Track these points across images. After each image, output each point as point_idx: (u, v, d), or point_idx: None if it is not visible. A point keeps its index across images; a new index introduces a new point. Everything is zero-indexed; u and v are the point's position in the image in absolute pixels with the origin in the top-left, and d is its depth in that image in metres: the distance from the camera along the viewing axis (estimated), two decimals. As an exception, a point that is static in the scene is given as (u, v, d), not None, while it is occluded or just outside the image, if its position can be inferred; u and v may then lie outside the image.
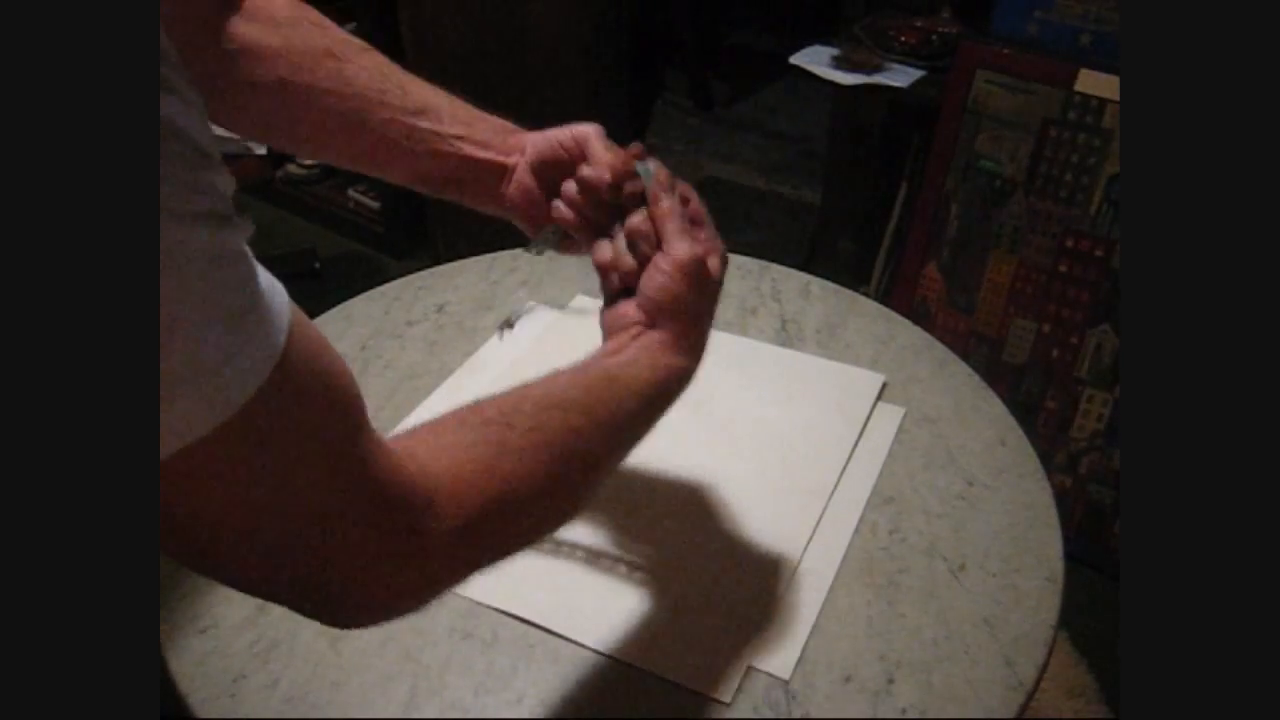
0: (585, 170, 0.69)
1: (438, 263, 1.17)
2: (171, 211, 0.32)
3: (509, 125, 0.74)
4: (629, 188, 0.67)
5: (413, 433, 0.51)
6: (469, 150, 0.72)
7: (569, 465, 0.55)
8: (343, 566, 0.44)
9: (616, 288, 0.67)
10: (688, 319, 0.65)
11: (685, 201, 0.67)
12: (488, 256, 1.18)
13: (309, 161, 2.59)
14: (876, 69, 1.81)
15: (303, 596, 0.45)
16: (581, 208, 0.70)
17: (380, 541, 0.44)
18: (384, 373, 0.97)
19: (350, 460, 0.43)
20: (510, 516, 0.52)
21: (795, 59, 1.87)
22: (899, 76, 1.79)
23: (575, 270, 1.15)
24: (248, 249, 0.37)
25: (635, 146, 0.69)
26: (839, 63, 1.84)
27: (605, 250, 0.67)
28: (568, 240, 0.72)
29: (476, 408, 0.53)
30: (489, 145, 0.72)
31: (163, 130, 0.31)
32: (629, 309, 0.65)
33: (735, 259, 1.17)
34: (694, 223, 0.67)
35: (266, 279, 0.38)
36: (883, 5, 1.96)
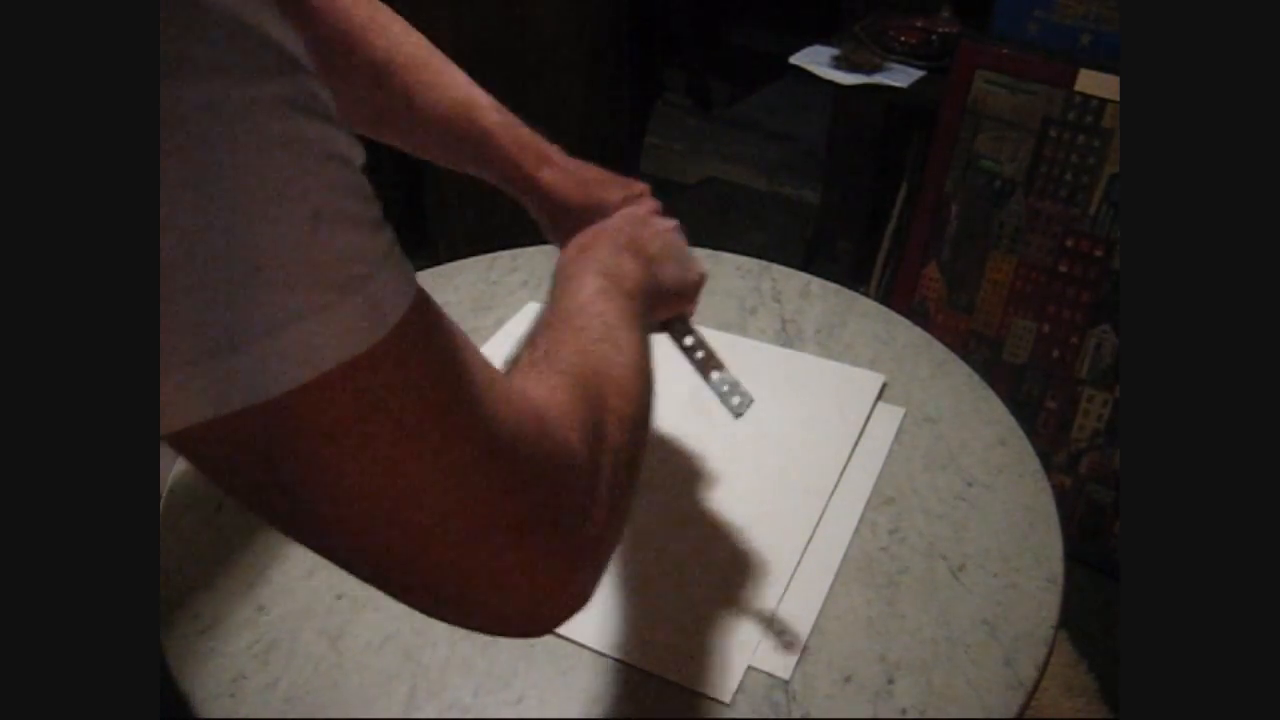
0: None
1: (438, 263, 1.17)
2: (280, 104, 0.30)
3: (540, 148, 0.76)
4: None
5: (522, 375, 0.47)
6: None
7: (625, 362, 0.53)
8: (488, 560, 0.39)
9: None
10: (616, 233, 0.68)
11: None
12: (488, 256, 1.18)
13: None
14: (876, 69, 1.81)
15: (447, 600, 0.40)
16: None
17: (533, 520, 0.39)
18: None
19: (486, 413, 0.38)
20: (615, 424, 0.48)
21: (795, 59, 1.87)
22: (899, 76, 1.79)
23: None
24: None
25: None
26: (839, 63, 1.84)
27: None
28: None
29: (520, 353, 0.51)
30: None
31: (259, 37, 0.30)
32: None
33: (735, 259, 1.18)
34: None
35: None
36: (883, 5, 1.96)
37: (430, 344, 0.36)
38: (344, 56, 0.71)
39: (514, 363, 0.51)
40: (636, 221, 0.72)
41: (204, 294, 0.29)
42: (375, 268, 0.33)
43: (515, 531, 0.39)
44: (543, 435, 0.41)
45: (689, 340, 0.75)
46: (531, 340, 0.53)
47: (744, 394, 0.72)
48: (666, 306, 0.73)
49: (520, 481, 0.39)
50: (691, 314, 0.78)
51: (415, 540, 0.37)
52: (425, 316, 0.36)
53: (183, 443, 0.33)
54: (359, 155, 0.34)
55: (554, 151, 0.76)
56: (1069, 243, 1.62)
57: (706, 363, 0.74)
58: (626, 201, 0.76)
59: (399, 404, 0.34)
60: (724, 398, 0.73)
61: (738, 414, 0.72)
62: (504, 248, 1.19)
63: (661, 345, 0.73)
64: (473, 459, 0.37)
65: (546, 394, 0.45)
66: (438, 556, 0.38)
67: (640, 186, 0.79)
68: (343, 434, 0.33)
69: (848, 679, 0.71)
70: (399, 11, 0.72)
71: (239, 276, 0.29)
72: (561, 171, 0.76)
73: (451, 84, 0.74)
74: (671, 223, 0.75)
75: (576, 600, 0.44)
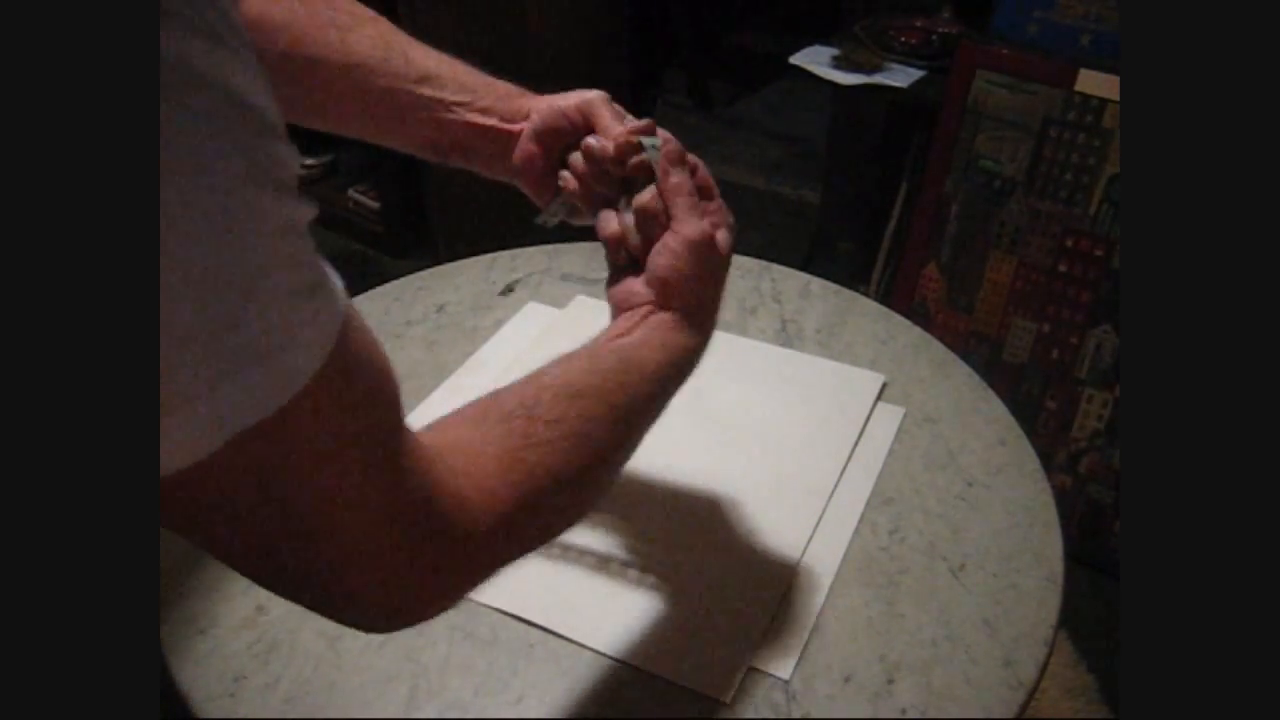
0: (590, 141, 0.68)
1: (438, 263, 1.17)
2: (239, 177, 0.31)
3: (515, 90, 0.73)
4: (635, 160, 0.66)
5: (436, 428, 0.50)
6: (471, 117, 0.70)
7: (592, 454, 0.54)
8: (376, 567, 0.43)
9: (624, 262, 0.66)
10: (697, 297, 0.64)
11: (694, 171, 0.67)
12: (488, 256, 1.18)
13: (309, 161, 2.59)
14: (876, 69, 1.81)
15: (330, 598, 0.44)
16: (587, 179, 0.69)
17: (415, 544, 0.44)
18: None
19: (391, 454, 0.42)
20: (539, 511, 0.51)
21: (795, 59, 1.87)
22: (899, 76, 1.79)
23: (575, 270, 1.15)
24: (308, 230, 0.36)
25: (644, 121, 0.68)
26: (839, 63, 1.84)
27: (611, 223, 0.67)
28: (578, 210, 0.72)
29: (495, 400, 0.53)
30: (492, 111, 0.71)
31: (237, 100, 0.31)
32: (637, 286, 0.64)
33: (735, 259, 1.17)
34: (703, 194, 0.66)
35: (322, 261, 0.37)
36: (883, 5, 1.96)
37: (341, 403, 0.39)
38: (307, 74, 0.69)
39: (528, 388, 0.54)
40: (706, 277, 0.65)
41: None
42: (291, 335, 0.35)
43: (393, 545, 0.43)
44: (441, 480, 0.45)
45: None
46: (551, 387, 0.55)
47: (555, 215, 0.72)
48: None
49: (410, 509, 0.43)
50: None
51: (321, 548, 0.41)
52: (337, 371, 0.38)
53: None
54: (308, 215, 0.36)
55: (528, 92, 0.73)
56: (1069, 243, 1.62)
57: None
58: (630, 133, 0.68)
59: (310, 457, 0.38)
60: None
61: (540, 222, 0.72)
62: (504, 248, 1.19)
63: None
64: (373, 487, 0.41)
65: (466, 450, 0.49)
66: (335, 560, 0.42)
67: (645, 124, 0.69)
68: (247, 490, 0.37)
69: (848, 679, 0.71)
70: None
71: (165, 342, 0.31)
72: (522, 153, 0.72)
73: (408, 77, 0.71)
74: (729, 239, 0.68)
75: (428, 613, 0.49)
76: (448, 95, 0.70)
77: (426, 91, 0.70)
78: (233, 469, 0.36)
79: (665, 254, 0.63)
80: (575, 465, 0.53)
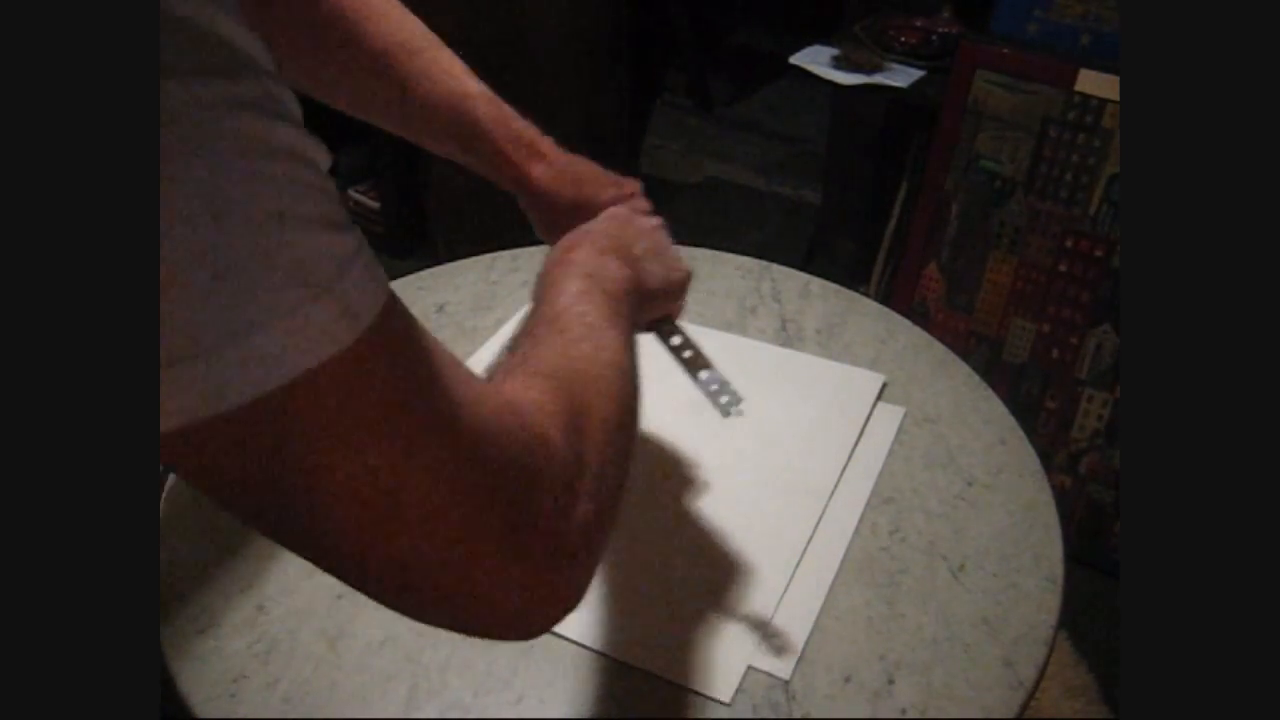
0: None
1: (438, 263, 1.17)
2: (253, 106, 0.30)
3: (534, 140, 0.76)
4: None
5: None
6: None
7: (616, 372, 0.52)
8: (440, 561, 0.38)
9: None
10: (622, 240, 0.67)
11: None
12: (488, 256, 1.18)
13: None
14: (876, 69, 1.81)
15: (428, 595, 0.40)
16: None
17: (491, 528, 0.39)
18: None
19: (471, 401, 0.38)
20: (598, 435, 0.47)
21: (795, 59, 1.87)
22: (899, 76, 1.79)
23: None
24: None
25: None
26: (839, 63, 1.84)
27: None
28: None
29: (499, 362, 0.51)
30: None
31: (222, 43, 0.30)
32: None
33: (735, 259, 1.18)
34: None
35: None
36: (883, 5, 1.96)
37: (404, 345, 0.36)
38: (341, 44, 0.70)
39: (495, 367, 0.51)
40: (620, 221, 0.71)
41: (171, 299, 0.29)
42: (344, 268, 0.32)
43: (496, 530, 0.39)
44: (520, 432, 0.41)
45: (676, 340, 0.75)
46: (513, 344, 0.54)
47: (732, 393, 0.71)
48: (653, 306, 0.71)
49: (499, 480, 0.39)
50: (678, 314, 0.77)
51: (397, 540, 0.36)
52: (398, 319, 0.36)
53: (168, 450, 0.32)
54: (324, 157, 0.34)
55: (546, 145, 0.76)
56: (1069, 243, 1.62)
57: (694, 362, 0.73)
58: (616, 200, 0.76)
59: (375, 404, 0.34)
60: (712, 397, 0.72)
61: (726, 413, 0.71)
62: (504, 248, 1.19)
63: (655, 348, 0.73)
64: (450, 458, 0.37)
65: (524, 394, 0.45)
66: (420, 557, 0.37)
67: (631, 184, 0.78)
68: (320, 437, 0.33)
69: (848, 679, 0.71)
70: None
71: (204, 281, 0.29)
72: (551, 167, 0.75)
73: (446, 72, 0.73)
74: (655, 221, 0.74)
75: (566, 601, 0.43)
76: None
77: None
78: (312, 406, 0.32)
79: (606, 215, 0.70)
80: (609, 384, 0.51)
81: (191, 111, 0.28)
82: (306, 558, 0.38)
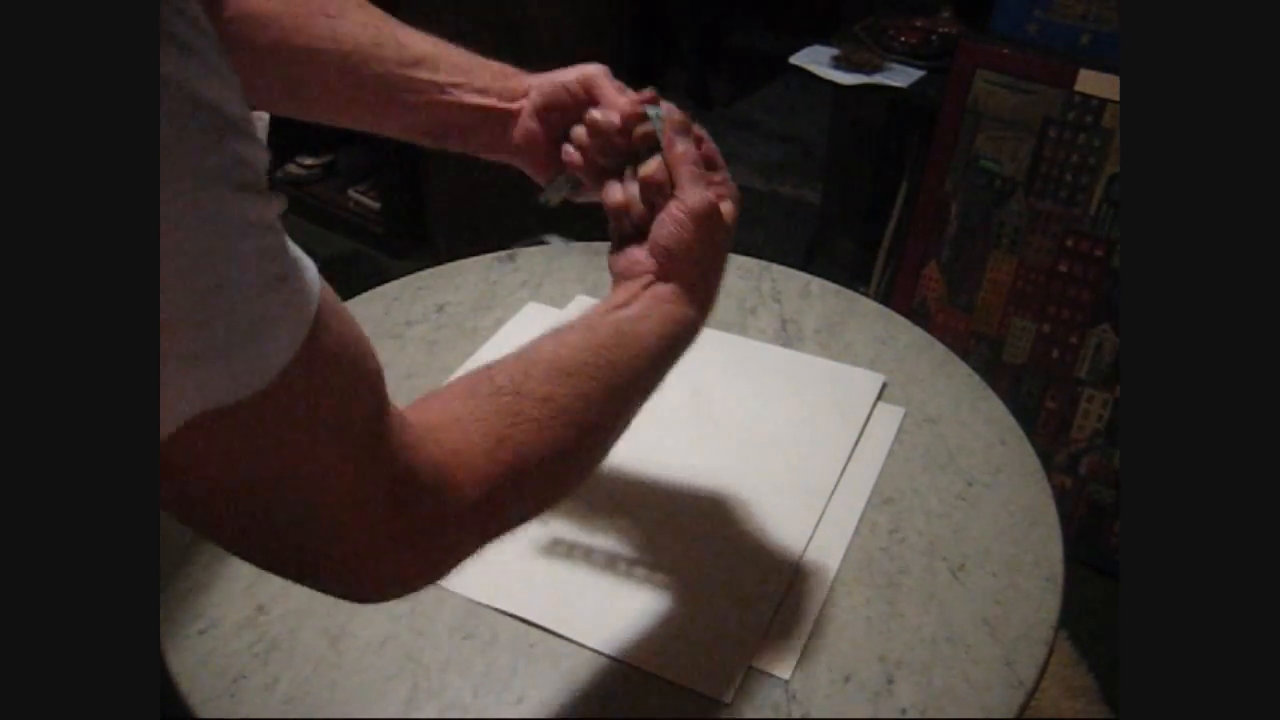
0: (595, 114, 0.68)
1: (438, 263, 1.17)
2: (200, 177, 0.32)
3: (510, 69, 0.72)
4: (640, 130, 0.66)
5: (423, 404, 0.50)
6: (468, 98, 0.70)
7: (581, 432, 0.54)
8: (359, 543, 0.44)
9: (628, 231, 0.66)
10: (699, 269, 0.64)
11: (699, 143, 0.66)
12: (488, 256, 1.18)
13: (309, 161, 2.59)
14: (876, 69, 1.81)
15: (316, 572, 0.45)
16: (591, 152, 0.69)
17: (397, 520, 0.44)
18: (383, 373, 0.96)
19: (372, 437, 0.43)
20: (524, 488, 0.51)
21: (795, 59, 1.87)
22: (899, 76, 1.79)
23: (575, 271, 1.15)
24: (278, 223, 0.37)
25: (647, 91, 0.68)
26: (839, 63, 1.84)
27: (616, 192, 0.66)
28: (580, 187, 0.71)
29: (487, 374, 0.53)
30: (489, 91, 0.71)
31: (204, 104, 0.32)
32: (639, 255, 0.64)
33: (735, 259, 1.17)
34: (708, 164, 0.66)
35: (295, 251, 0.38)
36: (883, 5, 1.96)
37: (318, 387, 0.39)
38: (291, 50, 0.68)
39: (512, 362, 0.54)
40: (709, 248, 0.65)
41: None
42: (262, 326, 0.36)
43: (374, 524, 0.44)
44: (425, 453, 0.46)
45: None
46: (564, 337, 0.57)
47: (558, 191, 0.71)
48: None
49: (388, 483, 0.44)
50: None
51: (295, 516, 0.42)
52: (313, 358, 0.38)
53: None
54: (277, 208, 0.36)
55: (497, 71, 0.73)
56: (1069, 242, 1.62)
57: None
58: (629, 107, 0.68)
59: (288, 439, 0.39)
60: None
61: (543, 200, 0.71)
62: (503, 247, 1.19)
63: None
64: (353, 467, 0.42)
65: (448, 418, 0.50)
66: (309, 532, 0.42)
67: (644, 94, 0.69)
68: (230, 460, 0.38)
69: (848, 679, 0.71)
70: (400, 12, 0.72)
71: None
72: (523, 132, 0.72)
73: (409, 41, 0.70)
74: (734, 211, 0.66)
75: (425, 582, 0.49)
76: (442, 77, 0.70)
77: (421, 74, 0.69)
78: (206, 449, 0.37)
79: (669, 223, 0.62)
80: (564, 443, 0.53)
81: (170, 186, 0.31)
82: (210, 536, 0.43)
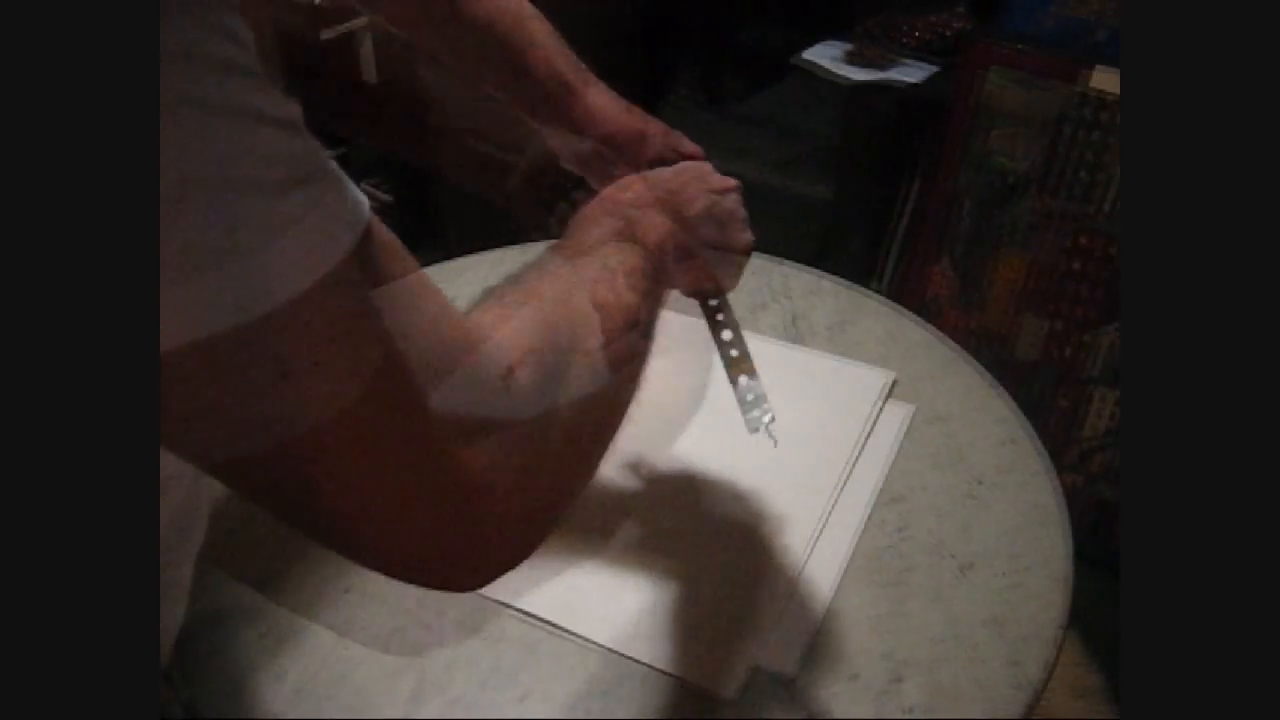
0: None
1: (449, 256, 1.16)
2: (206, 62, 0.30)
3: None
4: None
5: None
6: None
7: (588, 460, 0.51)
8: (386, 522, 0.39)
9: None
10: (671, 228, 0.61)
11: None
12: (497, 252, 1.18)
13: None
14: (888, 66, 1.81)
15: (326, 525, 0.39)
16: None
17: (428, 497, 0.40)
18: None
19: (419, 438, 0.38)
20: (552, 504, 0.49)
21: (807, 55, 1.87)
22: (910, 73, 1.79)
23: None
24: (301, 124, 0.33)
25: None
26: (851, 59, 1.84)
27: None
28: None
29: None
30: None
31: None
32: (640, 186, 0.63)
33: (744, 255, 1.17)
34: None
35: (338, 171, 0.35)
36: (894, 2, 1.95)
37: (338, 300, 0.34)
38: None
39: (493, 293, 0.49)
40: (687, 176, 0.66)
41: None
42: (264, 238, 0.31)
43: (436, 477, 0.39)
44: (480, 365, 0.41)
45: (720, 318, 0.69)
46: (525, 274, 0.52)
47: (766, 409, 0.66)
48: (697, 273, 0.67)
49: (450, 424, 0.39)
50: (730, 288, 0.72)
51: (339, 469, 0.36)
52: (345, 274, 0.34)
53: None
54: (290, 112, 0.33)
55: (595, 79, 0.74)
56: (1081, 240, 1.61)
57: (737, 363, 0.68)
58: (668, 137, 0.72)
59: (316, 357, 0.33)
60: (744, 406, 0.67)
61: (753, 428, 0.66)
62: (514, 242, 1.19)
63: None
64: (403, 399, 0.37)
65: (502, 329, 0.44)
66: (359, 488, 0.37)
67: (691, 146, 0.73)
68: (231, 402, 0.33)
69: (854, 677, 0.71)
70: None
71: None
72: (607, 95, 0.73)
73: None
74: (731, 183, 0.68)
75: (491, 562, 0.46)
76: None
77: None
78: (211, 378, 0.32)
79: (676, 168, 0.64)
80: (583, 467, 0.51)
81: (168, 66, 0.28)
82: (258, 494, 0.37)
